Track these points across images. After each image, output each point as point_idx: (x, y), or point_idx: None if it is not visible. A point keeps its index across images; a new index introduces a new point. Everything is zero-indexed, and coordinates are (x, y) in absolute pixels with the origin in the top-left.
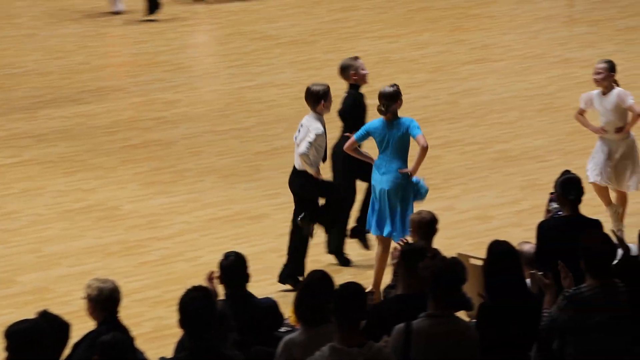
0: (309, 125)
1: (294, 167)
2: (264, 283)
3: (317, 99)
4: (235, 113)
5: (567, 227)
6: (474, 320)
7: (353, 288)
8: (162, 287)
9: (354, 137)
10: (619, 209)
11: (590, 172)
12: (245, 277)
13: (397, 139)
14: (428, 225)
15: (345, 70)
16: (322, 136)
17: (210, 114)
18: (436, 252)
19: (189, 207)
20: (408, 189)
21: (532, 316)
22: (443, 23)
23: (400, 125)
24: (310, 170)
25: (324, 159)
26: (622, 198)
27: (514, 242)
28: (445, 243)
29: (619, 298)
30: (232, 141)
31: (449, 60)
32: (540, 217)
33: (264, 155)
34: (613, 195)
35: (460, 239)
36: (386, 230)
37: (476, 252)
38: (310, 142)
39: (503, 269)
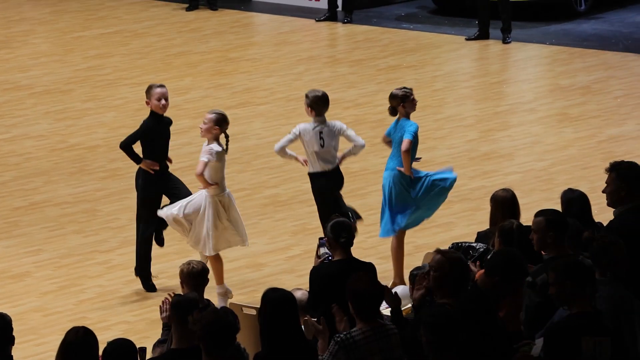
0: (337, 126)
1: (319, 172)
2: (28, 344)
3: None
4: None
5: (339, 271)
6: None
7: (122, 345)
8: None
9: (385, 132)
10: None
11: None
12: (10, 340)
13: (397, 139)
14: (199, 276)
15: (146, 95)
16: None
17: None
18: (208, 303)
19: None
20: (401, 188)
21: None
22: (203, 67)
23: (401, 127)
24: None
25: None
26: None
27: (287, 289)
28: (215, 292)
29: (390, 340)
30: None
31: (212, 104)
32: (312, 261)
33: (22, 210)
34: None
35: (232, 288)
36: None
37: (249, 301)
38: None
39: (279, 317)
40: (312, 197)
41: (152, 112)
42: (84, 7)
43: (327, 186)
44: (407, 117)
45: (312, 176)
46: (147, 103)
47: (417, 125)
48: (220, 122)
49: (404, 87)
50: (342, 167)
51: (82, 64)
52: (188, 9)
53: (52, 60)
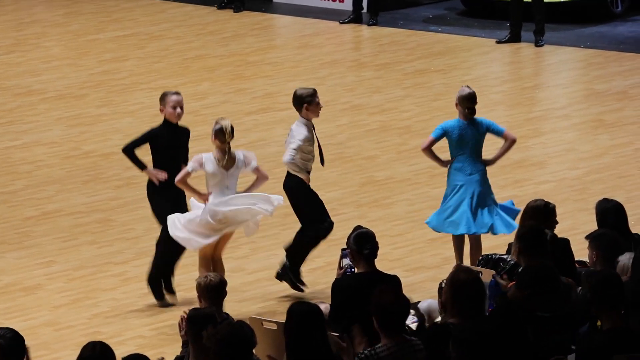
0: (295, 130)
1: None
2: None
3: (300, 102)
4: (0, 176)
5: (362, 284)
6: None
7: None
8: None
9: (431, 135)
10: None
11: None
12: (22, 356)
13: (477, 138)
14: (216, 289)
15: (160, 102)
16: (308, 141)
17: None
18: (227, 317)
19: None
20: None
21: None
22: (222, 71)
23: (479, 125)
24: (301, 176)
25: (322, 162)
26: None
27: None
28: (235, 306)
29: (416, 356)
30: None
31: (231, 110)
32: (335, 274)
33: (34, 220)
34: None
35: (252, 301)
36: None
37: (269, 315)
38: (294, 149)
39: (306, 331)
40: (335, 207)
41: (165, 120)
42: (98, 9)
43: None
44: None
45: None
46: (161, 110)
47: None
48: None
49: (468, 86)
50: (367, 177)
51: (97, 68)
52: (220, 7)
53: (65, 64)
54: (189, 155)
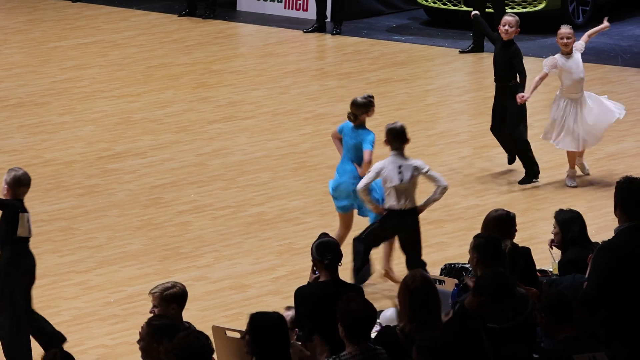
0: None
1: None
2: None
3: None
4: None
5: (324, 292)
6: None
7: None
8: None
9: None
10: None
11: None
12: None
13: (352, 146)
14: (180, 298)
15: None
16: None
17: None
18: (188, 326)
19: None
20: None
21: None
22: (185, 79)
23: (359, 136)
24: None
25: None
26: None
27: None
28: (198, 315)
29: None
30: None
31: (194, 119)
32: (299, 283)
33: None
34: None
35: (215, 310)
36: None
37: (232, 324)
38: None
39: (269, 341)
40: (299, 216)
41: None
42: (60, 16)
43: None
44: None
45: None
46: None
47: (374, 134)
48: None
49: (368, 95)
50: None
51: (59, 76)
52: (181, 15)
53: (26, 71)
54: None
